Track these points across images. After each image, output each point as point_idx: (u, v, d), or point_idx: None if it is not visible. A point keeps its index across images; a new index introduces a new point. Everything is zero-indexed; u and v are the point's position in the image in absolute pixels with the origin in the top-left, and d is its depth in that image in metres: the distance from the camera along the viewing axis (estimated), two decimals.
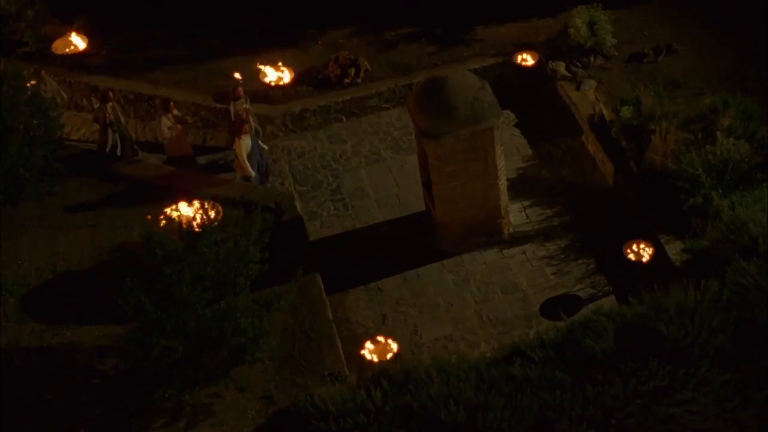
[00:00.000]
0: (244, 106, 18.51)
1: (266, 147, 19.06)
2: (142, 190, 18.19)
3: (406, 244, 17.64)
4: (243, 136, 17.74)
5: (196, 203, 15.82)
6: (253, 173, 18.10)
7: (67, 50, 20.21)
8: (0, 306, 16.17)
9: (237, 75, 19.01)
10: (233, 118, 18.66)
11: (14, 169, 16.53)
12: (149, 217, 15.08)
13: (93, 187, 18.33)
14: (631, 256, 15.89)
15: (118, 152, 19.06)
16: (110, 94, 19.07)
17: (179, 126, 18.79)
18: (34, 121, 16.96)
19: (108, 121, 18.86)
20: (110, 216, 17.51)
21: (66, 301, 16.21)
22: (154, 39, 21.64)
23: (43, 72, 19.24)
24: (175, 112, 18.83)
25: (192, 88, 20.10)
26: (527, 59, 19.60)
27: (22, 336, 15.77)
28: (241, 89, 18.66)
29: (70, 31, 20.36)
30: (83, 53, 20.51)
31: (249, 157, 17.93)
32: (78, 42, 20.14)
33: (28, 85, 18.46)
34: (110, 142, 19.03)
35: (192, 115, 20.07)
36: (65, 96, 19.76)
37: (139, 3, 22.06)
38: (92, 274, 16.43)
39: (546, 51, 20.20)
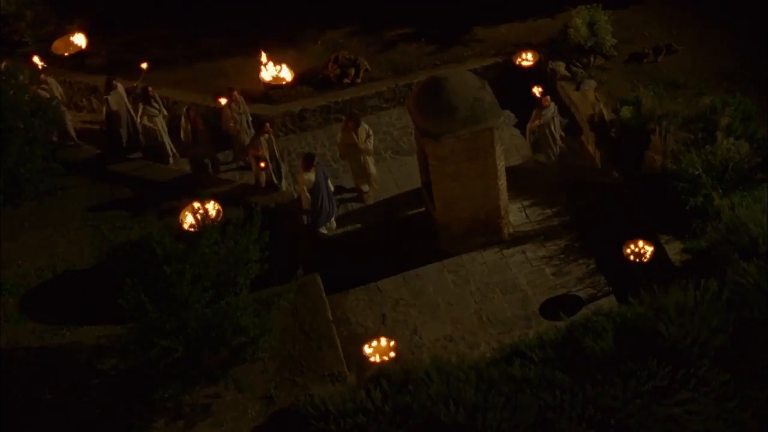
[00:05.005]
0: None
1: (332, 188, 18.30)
2: (143, 191, 18.22)
3: (406, 244, 17.65)
4: (308, 172, 17.30)
5: (197, 203, 15.80)
6: (308, 206, 17.64)
7: (67, 51, 20.23)
8: (0, 306, 16.18)
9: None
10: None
11: (14, 169, 16.54)
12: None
13: (93, 187, 18.35)
14: (631, 256, 15.89)
15: (283, 185, 18.51)
16: (267, 125, 18.13)
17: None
18: (35, 121, 16.98)
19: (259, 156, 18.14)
20: (110, 216, 17.52)
21: (66, 301, 16.22)
22: (154, 39, 21.64)
23: (235, 92, 18.74)
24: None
25: (192, 88, 20.09)
26: (527, 59, 19.60)
27: (22, 336, 15.78)
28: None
29: (71, 31, 20.39)
30: (83, 53, 20.53)
31: (311, 191, 17.46)
32: (78, 42, 20.16)
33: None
34: (265, 178, 18.34)
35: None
36: (250, 118, 19.12)
37: (139, 3, 22.07)
38: (92, 274, 16.43)
39: (546, 51, 20.20)
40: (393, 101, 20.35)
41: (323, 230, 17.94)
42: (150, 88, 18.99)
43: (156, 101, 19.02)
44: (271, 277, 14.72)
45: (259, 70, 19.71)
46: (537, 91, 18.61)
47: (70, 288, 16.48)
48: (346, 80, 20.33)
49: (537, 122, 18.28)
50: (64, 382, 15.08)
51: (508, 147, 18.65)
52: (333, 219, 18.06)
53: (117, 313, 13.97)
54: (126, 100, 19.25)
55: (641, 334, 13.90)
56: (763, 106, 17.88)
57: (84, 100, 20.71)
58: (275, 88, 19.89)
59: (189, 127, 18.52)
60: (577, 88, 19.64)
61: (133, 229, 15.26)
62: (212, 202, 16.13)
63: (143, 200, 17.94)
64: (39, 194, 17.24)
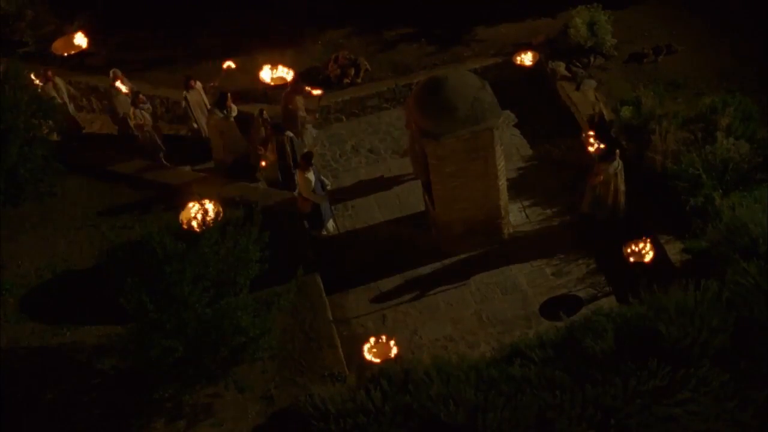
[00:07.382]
0: None
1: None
2: (142, 191, 18.22)
3: (406, 244, 17.65)
4: (307, 172, 16.98)
5: (197, 203, 15.79)
6: (323, 200, 17.46)
7: (67, 51, 20.21)
8: (0, 306, 16.18)
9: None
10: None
11: (14, 169, 16.54)
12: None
13: (93, 187, 18.36)
14: (631, 257, 15.88)
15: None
16: (288, 132, 17.96)
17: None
18: (35, 121, 16.97)
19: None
20: (110, 216, 17.53)
21: (66, 301, 16.23)
22: (153, 39, 21.64)
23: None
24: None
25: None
26: (527, 59, 19.58)
27: (22, 336, 15.79)
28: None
29: (71, 31, 20.37)
30: (83, 53, 20.52)
31: (315, 191, 17.22)
32: (78, 42, 20.14)
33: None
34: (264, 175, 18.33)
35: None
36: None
37: (139, 3, 22.07)
38: (92, 274, 16.42)
39: (546, 51, 20.20)
40: (393, 101, 20.36)
41: (324, 231, 17.94)
42: (229, 95, 18.45)
43: (227, 110, 18.47)
44: (271, 277, 14.72)
45: (258, 70, 19.68)
46: (591, 135, 17.18)
47: (70, 288, 16.48)
48: (346, 80, 20.33)
49: (600, 178, 16.67)
50: (64, 382, 15.09)
51: (508, 147, 18.65)
52: (332, 219, 18.06)
53: (117, 313, 13.97)
54: (205, 100, 19.04)
55: (641, 334, 13.90)
56: (763, 106, 17.89)
57: (84, 100, 20.71)
58: (275, 88, 19.85)
59: (263, 131, 18.25)
60: (577, 88, 19.64)
61: (133, 229, 15.25)
62: (213, 202, 16.11)
63: (143, 200, 17.94)
64: (39, 194, 17.24)
